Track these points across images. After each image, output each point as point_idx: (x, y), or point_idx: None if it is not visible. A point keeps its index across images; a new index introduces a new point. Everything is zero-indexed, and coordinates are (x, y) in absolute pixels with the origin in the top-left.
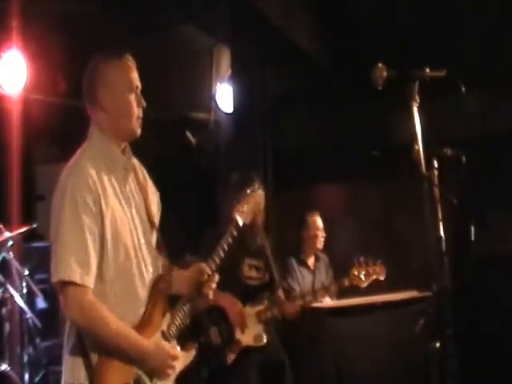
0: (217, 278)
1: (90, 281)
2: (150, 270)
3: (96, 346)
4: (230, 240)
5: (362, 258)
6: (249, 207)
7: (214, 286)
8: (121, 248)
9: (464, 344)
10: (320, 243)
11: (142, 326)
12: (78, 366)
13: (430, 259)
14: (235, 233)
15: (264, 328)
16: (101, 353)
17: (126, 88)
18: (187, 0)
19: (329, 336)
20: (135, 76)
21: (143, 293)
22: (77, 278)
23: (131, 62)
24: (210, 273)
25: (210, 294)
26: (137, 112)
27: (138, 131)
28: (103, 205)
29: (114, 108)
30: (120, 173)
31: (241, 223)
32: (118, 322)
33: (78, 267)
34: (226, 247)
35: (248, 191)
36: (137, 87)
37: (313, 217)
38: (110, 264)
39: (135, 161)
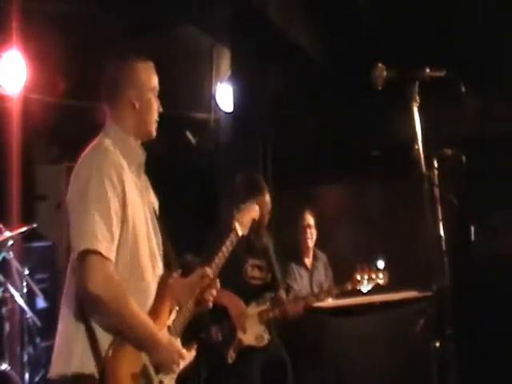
0: (218, 284)
1: (113, 257)
2: (160, 265)
3: (110, 325)
4: (230, 248)
5: (365, 264)
6: (248, 218)
7: (214, 292)
8: (137, 235)
9: (464, 344)
10: (310, 240)
11: (151, 318)
12: (86, 354)
13: (429, 259)
14: (235, 241)
15: (266, 328)
16: (113, 333)
17: (152, 89)
18: (187, 0)
19: (329, 336)
20: (157, 80)
21: (153, 284)
22: (103, 250)
23: (153, 67)
24: (211, 278)
25: (211, 300)
26: (156, 116)
27: (154, 134)
28: (126, 188)
29: (143, 106)
30: (134, 167)
31: (240, 233)
32: (136, 305)
33: (104, 240)
34: (226, 254)
35: (249, 202)
36: (157, 91)
37: (302, 214)
38: (126, 249)
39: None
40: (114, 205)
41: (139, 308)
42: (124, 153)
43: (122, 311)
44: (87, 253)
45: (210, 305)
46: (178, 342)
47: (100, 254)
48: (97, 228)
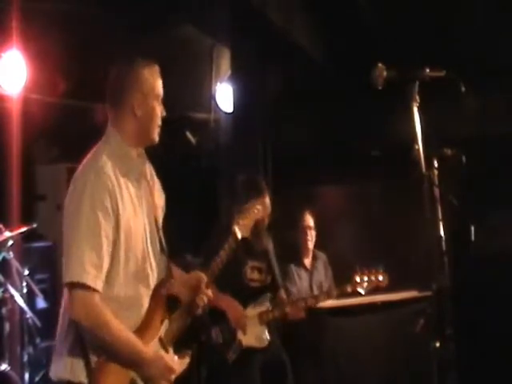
0: (210, 292)
1: (100, 284)
2: (155, 275)
3: (95, 347)
4: (229, 251)
5: (364, 266)
6: (249, 221)
7: (206, 299)
8: (131, 255)
9: (464, 344)
10: (310, 242)
11: (142, 331)
12: (77, 364)
13: (430, 259)
14: (234, 245)
15: (266, 329)
16: (100, 354)
17: (155, 97)
18: (187, 0)
19: (329, 336)
20: (161, 86)
21: (146, 299)
22: (89, 281)
23: (158, 71)
24: (206, 284)
25: (203, 306)
26: (159, 121)
27: (157, 140)
28: (120, 209)
29: (144, 114)
30: (135, 176)
31: (239, 236)
32: (120, 326)
33: (91, 269)
34: (224, 259)
35: (248, 205)
36: (161, 97)
37: (302, 215)
38: (120, 269)
39: (148, 164)
40: (105, 229)
41: (132, 323)
42: (122, 166)
43: (103, 339)
44: (73, 285)
45: (201, 311)
46: (169, 354)
47: (85, 285)
48: (85, 257)
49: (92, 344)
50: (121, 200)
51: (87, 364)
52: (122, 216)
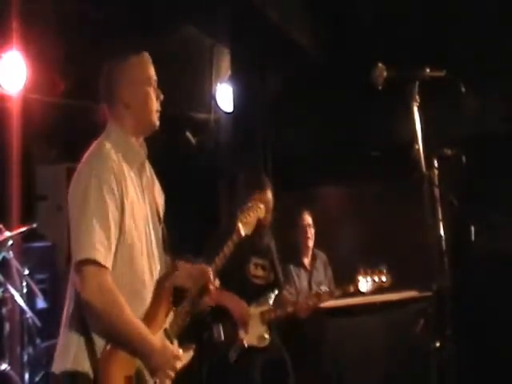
0: (217, 282)
1: (110, 265)
2: (158, 266)
3: (103, 331)
4: (232, 248)
5: (367, 267)
6: (252, 219)
7: (213, 289)
8: (135, 240)
9: (464, 344)
10: (310, 240)
11: (146, 322)
12: (82, 354)
13: (430, 259)
14: (237, 242)
15: (267, 328)
16: (106, 340)
17: (145, 82)
18: (187, 0)
19: (329, 336)
20: (152, 70)
21: (150, 288)
22: (101, 259)
23: (148, 58)
24: (211, 276)
25: (209, 298)
26: (156, 105)
27: (157, 124)
28: (124, 194)
29: (137, 102)
30: (137, 166)
31: (243, 233)
32: (130, 311)
33: (101, 248)
34: (227, 255)
35: (251, 203)
36: (154, 81)
37: (301, 215)
38: (124, 253)
39: (148, 163)
40: (113, 211)
41: (135, 312)
42: (125, 155)
43: (115, 319)
44: (84, 262)
45: (206, 306)
46: (174, 345)
47: (96, 262)
48: (94, 236)
49: (98, 331)
50: (125, 185)
51: (92, 354)
52: (126, 201)
